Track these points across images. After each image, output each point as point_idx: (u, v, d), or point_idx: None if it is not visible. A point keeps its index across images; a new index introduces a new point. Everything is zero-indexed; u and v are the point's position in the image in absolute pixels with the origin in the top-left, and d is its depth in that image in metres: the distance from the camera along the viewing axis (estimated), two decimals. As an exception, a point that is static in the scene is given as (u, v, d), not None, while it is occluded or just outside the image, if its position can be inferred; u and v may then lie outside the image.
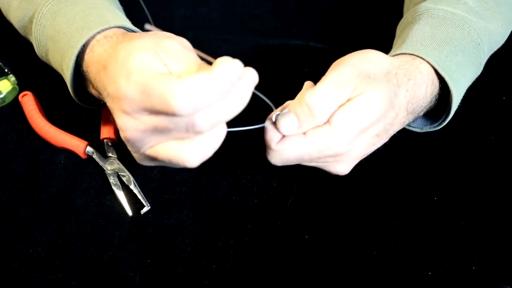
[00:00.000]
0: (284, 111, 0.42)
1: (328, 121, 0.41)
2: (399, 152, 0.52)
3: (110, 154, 0.51)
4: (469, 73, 0.48)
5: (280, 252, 0.46)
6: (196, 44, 0.63)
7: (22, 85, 0.58)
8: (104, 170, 0.50)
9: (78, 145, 0.51)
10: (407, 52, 0.46)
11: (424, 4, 0.50)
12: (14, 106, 0.56)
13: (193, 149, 0.37)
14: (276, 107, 0.43)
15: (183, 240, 0.47)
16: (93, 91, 0.46)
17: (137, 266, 0.45)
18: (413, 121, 0.48)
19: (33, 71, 0.58)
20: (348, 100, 0.41)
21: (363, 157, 0.45)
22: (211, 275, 0.44)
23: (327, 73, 0.43)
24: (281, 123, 0.42)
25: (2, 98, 0.56)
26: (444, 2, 0.49)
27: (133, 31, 0.47)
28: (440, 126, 0.50)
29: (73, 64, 0.45)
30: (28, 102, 0.54)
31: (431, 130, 0.51)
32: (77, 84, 0.48)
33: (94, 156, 0.51)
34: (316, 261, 0.45)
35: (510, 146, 0.53)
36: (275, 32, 0.66)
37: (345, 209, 0.48)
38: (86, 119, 0.54)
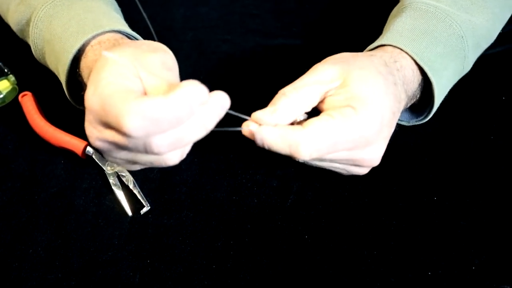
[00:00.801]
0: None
1: (347, 105, 0.41)
2: (399, 152, 0.52)
3: (110, 154, 0.51)
4: (452, 65, 0.48)
5: (280, 252, 0.46)
6: (196, 44, 0.64)
7: (21, 85, 0.58)
8: (104, 170, 0.50)
9: (77, 145, 0.51)
10: (386, 43, 0.47)
11: None
12: (14, 106, 0.56)
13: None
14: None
15: (183, 240, 0.47)
16: None
17: (137, 266, 0.45)
18: (401, 113, 0.49)
19: (33, 71, 0.58)
20: (344, 83, 0.42)
21: (389, 137, 0.44)
22: (211, 275, 0.44)
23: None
24: (257, 114, 0.41)
25: (2, 98, 0.56)
26: None
27: (129, 34, 0.48)
28: (426, 119, 0.50)
29: (68, 69, 0.45)
30: (28, 102, 0.54)
31: (418, 123, 0.52)
32: (75, 86, 0.48)
33: (94, 156, 0.51)
34: (316, 261, 0.45)
35: (510, 146, 0.53)
36: (274, 32, 0.66)
37: (345, 209, 0.48)
38: (86, 119, 0.54)
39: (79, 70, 0.46)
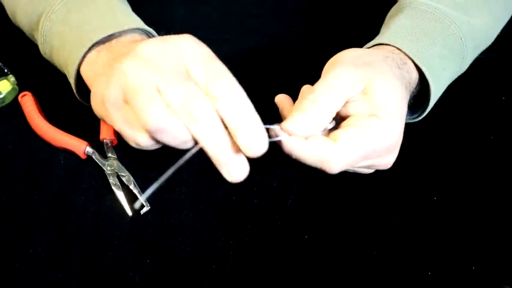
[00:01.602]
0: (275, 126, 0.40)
1: (372, 114, 0.40)
2: (399, 152, 0.52)
3: (109, 154, 0.51)
4: (450, 66, 0.48)
5: (280, 252, 0.46)
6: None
7: (21, 85, 0.57)
8: (104, 170, 0.50)
9: (78, 145, 0.51)
10: (386, 42, 0.47)
11: None
12: (13, 106, 0.56)
13: None
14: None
15: (183, 240, 0.47)
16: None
17: (137, 266, 0.45)
18: None
19: (33, 71, 0.58)
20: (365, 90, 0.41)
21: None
22: (211, 275, 0.44)
23: (323, 74, 0.44)
24: (287, 125, 0.39)
25: (1, 98, 0.56)
26: None
27: (148, 31, 0.48)
28: (420, 117, 0.50)
29: (80, 60, 0.45)
30: (28, 102, 0.54)
31: (412, 121, 0.51)
32: (80, 83, 0.48)
33: (94, 157, 0.51)
34: (316, 261, 0.45)
35: (510, 146, 0.53)
36: (274, 32, 0.66)
37: (345, 209, 0.48)
38: (86, 119, 0.54)
39: (86, 65, 0.45)
